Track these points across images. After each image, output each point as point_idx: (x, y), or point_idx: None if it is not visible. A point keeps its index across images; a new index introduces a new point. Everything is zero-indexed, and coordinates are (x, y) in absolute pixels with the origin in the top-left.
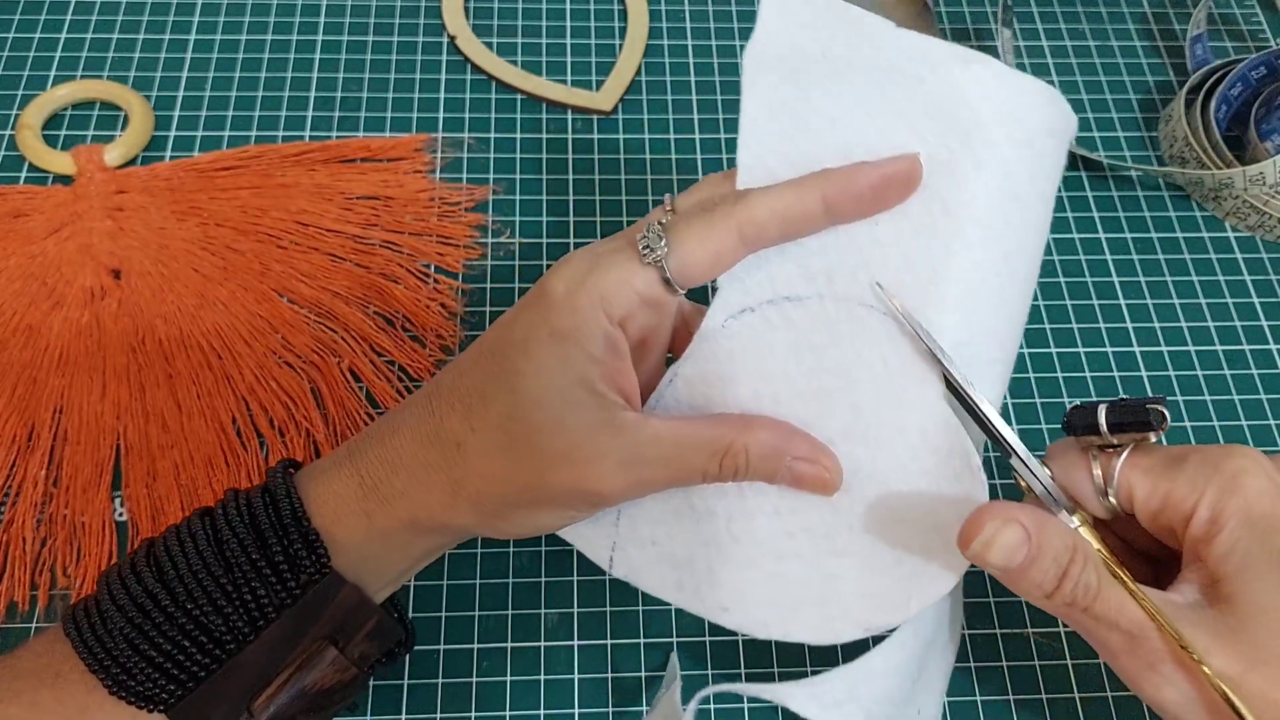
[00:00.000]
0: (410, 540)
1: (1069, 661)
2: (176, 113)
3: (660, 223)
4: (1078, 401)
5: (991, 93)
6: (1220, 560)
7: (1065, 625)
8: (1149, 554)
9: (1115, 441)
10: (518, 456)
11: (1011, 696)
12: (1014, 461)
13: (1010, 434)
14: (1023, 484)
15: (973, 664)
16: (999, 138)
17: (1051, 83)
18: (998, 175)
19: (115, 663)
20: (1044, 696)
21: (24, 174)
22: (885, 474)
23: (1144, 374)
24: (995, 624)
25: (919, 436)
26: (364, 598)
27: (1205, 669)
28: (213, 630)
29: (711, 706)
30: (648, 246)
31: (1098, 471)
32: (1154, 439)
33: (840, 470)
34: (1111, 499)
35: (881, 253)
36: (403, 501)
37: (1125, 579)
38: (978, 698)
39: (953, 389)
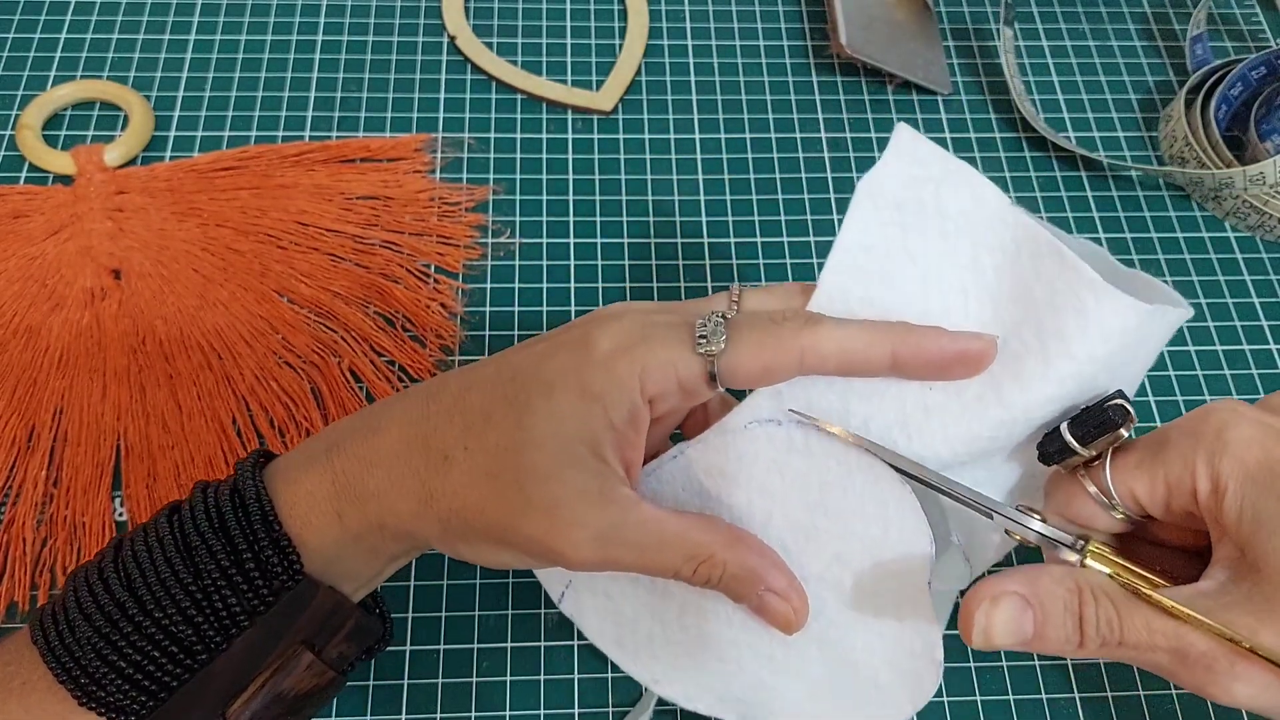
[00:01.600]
0: (381, 542)
1: (1069, 661)
2: (176, 113)
3: (723, 315)
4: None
5: (1084, 304)
6: (1235, 526)
7: None
8: (1197, 547)
9: (1094, 453)
10: (500, 491)
11: (1011, 696)
12: (997, 520)
13: (983, 497)
14: (1019, 539)
15: (972, 664)
16: (1078, 351)
17: (1051, 83)
18: (1064, 384)
19: (84, 673)
20: (1044, 697)
21: (24, 174)
22: (845, 625)
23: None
24: None
25: (891, 605)
26: (340, 599)
27: (1250, 648)
28: (183, 640)
29: None
30: (704, 338)
31: (1092, 489)
32: (1126, 434)
33: (806, 616)
34: (1120, 510)
35: (923, 419)
36: (374, 504)
37: (1144, 590)
38: (978, 698)
39: (925, 483)
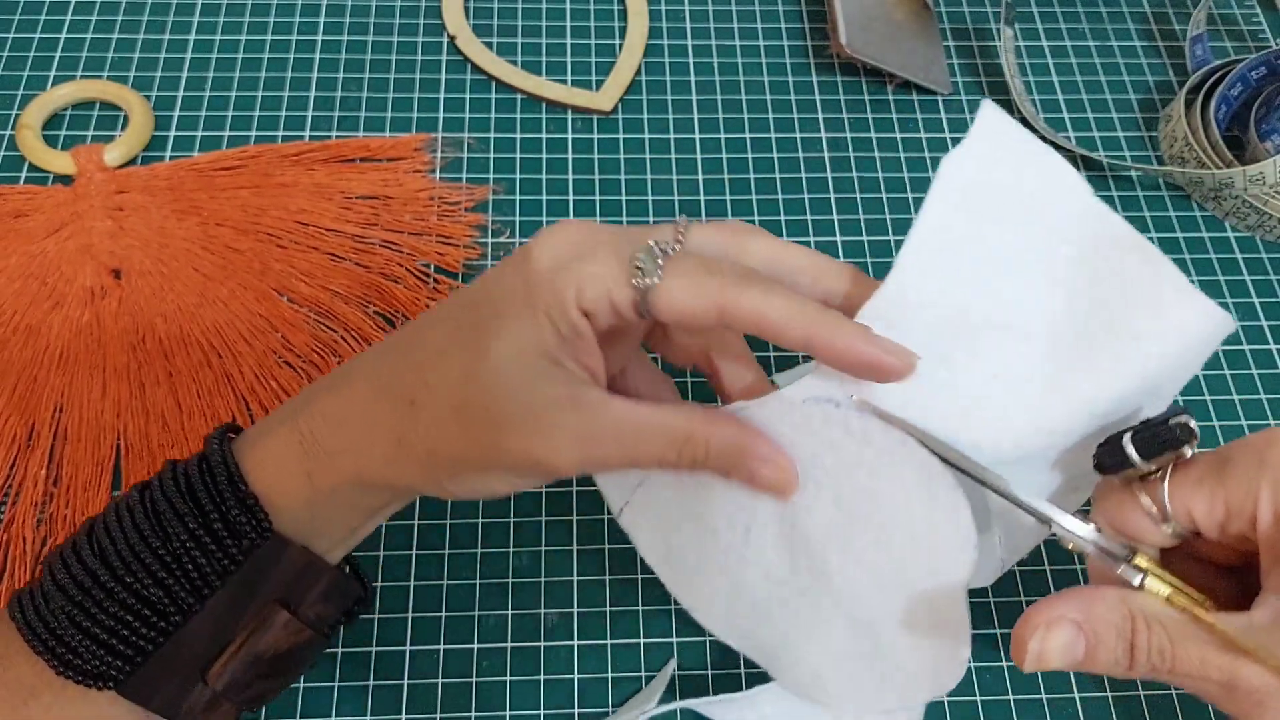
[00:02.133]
0: (356, 497)
1: None
2: (176, 113)
3: (663, 249)
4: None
5: (1162, 303)
6: None
7: None
8: (1235, 565)
9: (1154, 468)
10: (471, 418)
11: (1011, 696)
12: (1055, 530)
13: (1040, 504)
14: (1073, 548)
15: (973, 664)
16: (1152, 349)
17: (1051, 83)
18: (1131, 382)
19: (60, 642)
20: (1044, 696)
21: (24, 174)
22: (877, 608)
23: None
24: (995, 624)
25: (925, 600)
26: (313, 558)
27: None
28: (155, 603)
29: None
30: (640, 269)
31: (1148, 503)
32: (1189, 453)
33: (796, 478)
34: (1171, 526)
35: (986, 408)
36: (346, 458)
37: (1207, 616)
38: (978, 698)
39: (980, 482)
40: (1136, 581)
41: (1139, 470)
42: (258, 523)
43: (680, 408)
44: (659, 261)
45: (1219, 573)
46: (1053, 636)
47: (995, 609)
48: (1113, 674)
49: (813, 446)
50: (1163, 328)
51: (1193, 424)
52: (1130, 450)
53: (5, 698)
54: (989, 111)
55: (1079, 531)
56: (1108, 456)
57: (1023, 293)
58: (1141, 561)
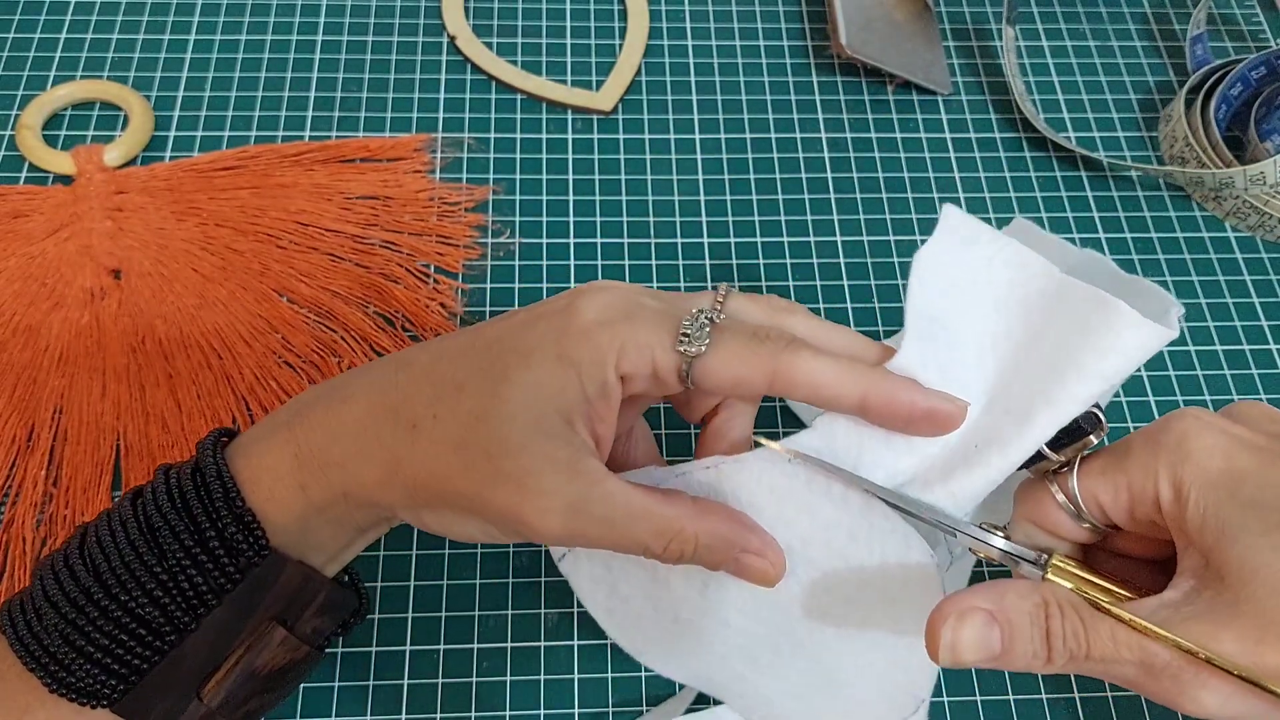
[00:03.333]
0: (344, 514)
1: None
2: (176, 113)
3: (710, 318)
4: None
5: (1119, 336)
6: (1198, 534)
7: None
8: (1161, 558)
9: (1064, 459)
10: (468, 461)
11: (1011, 696)
12: (962, 539)
13: (942, 514)
14: (983, 555)
15: None
16: (1105, 371)
17: (1051, 83)
18: (1081, 406)
19: (54, 660)
20: (1044, 696)
21: (24, 174)
22: (841, 654)
23: (1144, 374)
24: None
25: (889, 650)
26: (310, 573)
27: (1207, 658)
28: (150, 622)
29: None
30: (687, 335)
31: (1060, 495)
32: (1096, 441)
33: (783, 568)
34: (1086, 518)
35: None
36: (338, 472)
37: (1103, 603)
38: (978, 698)
39: (894, 506)
40: (1038, 577)
41: (1052, 464)
42: (255, 540)
43: (672, 498)
44: (706, 330)
45: (1149, 569)
46: (965, 628)
47: None
48: (1034, 668)
49: (790, 511)
50: (1111, 352)
51: (1099, 414)
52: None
53: None
54: (952, 212)
55: (984, 538)
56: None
57: (997, 362)
58: (1043, 558)
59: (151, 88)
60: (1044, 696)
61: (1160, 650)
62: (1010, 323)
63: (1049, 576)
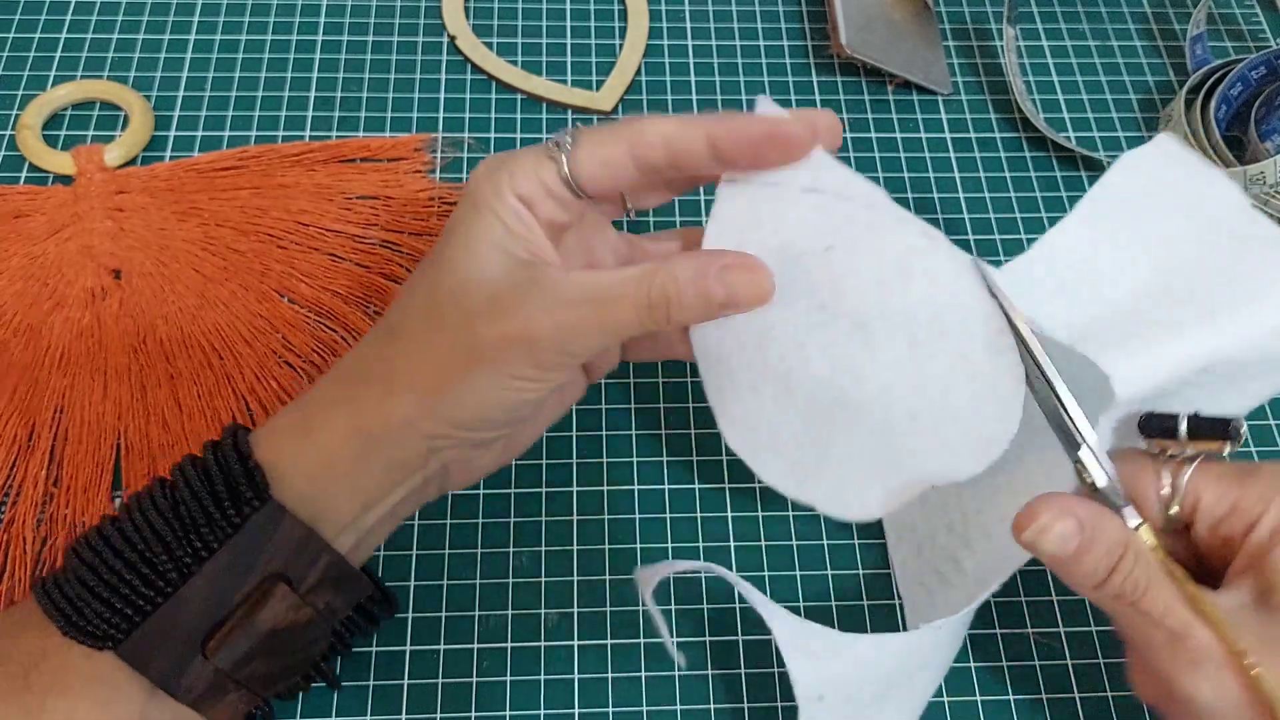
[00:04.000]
0: (356, 461)
1: (1069, 661)
2: (176, 113)
3: (572, 129)
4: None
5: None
6: (1277, 569)
7: (1066, 625)
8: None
9: (1189, 450)
10: (441, 318)
11: (1011, 696)
12: (1082, 453)
13: (1086, 426)
14: (1087, 478)
15: (973, 664)
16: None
17: (1051, 83)
18: (1238, 346)
19: (69, 603)
20: (1044, 696)
21: (24, 174)
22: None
23: None
24: (995, 624)
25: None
26: (310, 532)
27: (1258, 670)
28: (156, 563)
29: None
30: (554, 144)
31: (1166, 479)
32: (1227, 451)
33: (769, 274)
34: (1175, 507)
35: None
36: (343, 408)
37: (1182, 578)
38: (978, 698)
39: (1039, 379)
40: (1132, 525)
41: (1176, 445)
42: (257, 487)
43: (641, 265)
44: (567, 136)
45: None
46: (1059, 523)
47: (995, 609)
48: (1080, 585)
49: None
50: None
51: (1244, 429)
52: (1182, 426)
53: (17, 659)
54: (1163, 139)
55: (1104, 464)
56: (1157, 422)
57: (1158, 249)
58: (1136, 516)
59: (151, 88)
60: (1044, 697)
61: (1201, 634)
62: (1193, 229)
63: (1142, 530)
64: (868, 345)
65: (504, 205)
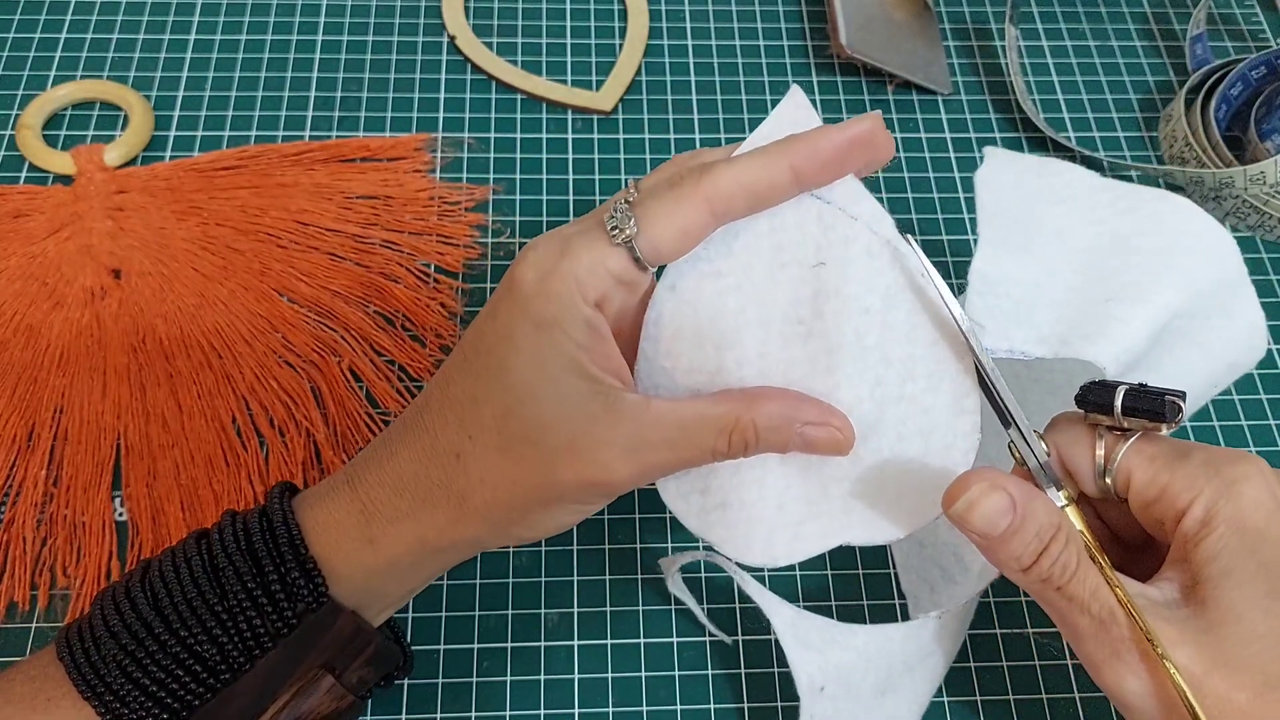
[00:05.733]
0: (418, 563)
1: (1069, 661)
2: (176, 113)
3: (626, 201)
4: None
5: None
6: (1204, 562)
7: None
8: (1130, 540)
9: (1125, 425)
10: (519, 456)
11: (1011, 696)
12: (1011, 431)
13: (1014, 404)
14: (1017, 455)
15: (973, 664)
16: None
17: (1051, 83)
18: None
19: (109, 690)
20: (1044, 696)
21: (24, 174)
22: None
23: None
24: (995, 624)
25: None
26: (361, 625)
27: (1167, 662)
28: (207, 659)
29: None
30: (616, 227)
31: (1101, 451)
32: (1164, 431)
33: (851, 430)
34: (1108, 481)
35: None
36: (409, 524)
37: (1104, 564)
38: (978, 698)
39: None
40: (1059, 505)
41: (1110, 421)
42: (315, 587)
43: (719, 396)
44: (628, 211)
45: (1112, 539)
46: (991, 498)
47: (995, 609)
48: (1007, 567)
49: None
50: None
51: (1182, 406)
52: (1118, 400)
53: None
54: (992, 151)
55: (1033, 445)
56: (1093, 395)
57: (1064, 248)
58: (1065, 496)
59: (151, 88)
60: (1044, 697)
61: (1124, 622)
62: (1080, 218)
63: (1068, 510)
64: (832, 372)
65: (575, 321)
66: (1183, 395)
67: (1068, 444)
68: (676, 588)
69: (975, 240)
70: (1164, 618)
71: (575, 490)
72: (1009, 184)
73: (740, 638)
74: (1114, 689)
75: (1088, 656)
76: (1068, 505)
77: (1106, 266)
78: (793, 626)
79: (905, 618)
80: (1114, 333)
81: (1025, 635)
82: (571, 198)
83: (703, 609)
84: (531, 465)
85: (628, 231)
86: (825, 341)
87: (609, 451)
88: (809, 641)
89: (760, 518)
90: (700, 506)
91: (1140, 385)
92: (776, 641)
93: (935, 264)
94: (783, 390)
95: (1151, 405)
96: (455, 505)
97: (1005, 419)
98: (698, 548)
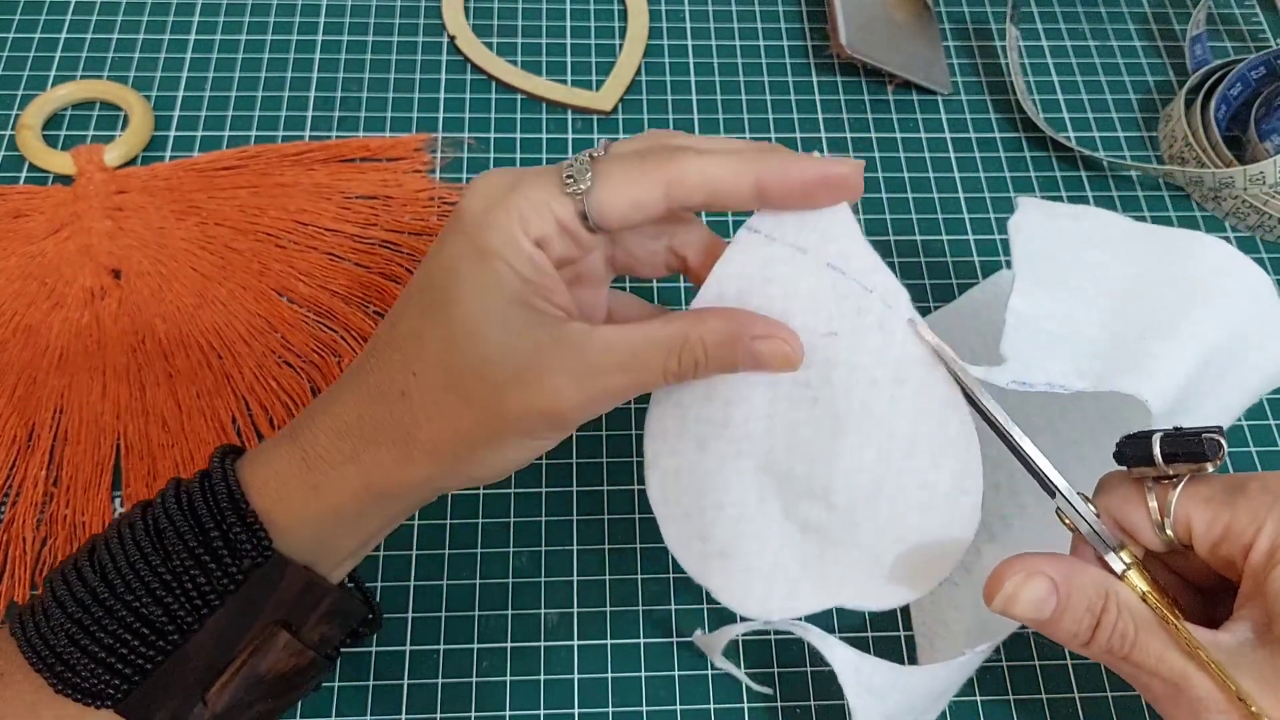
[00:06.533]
0: (365, 511)
1: (1069, 661)
2: (176, 113)
3: (591, 157)
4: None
5: (1230, 270)
6: (1276, 597)
7: None
8: (1205, 587)
9: (1171, 472)
10: (466, 390)
11: (1011, 696)
12: (1058, 501)
13: (1053, 473)
14: (1069, 524)
15: None
16: (1211, 315)
17: (1051, 83)
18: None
19: (59, 660)
20: (1044, 696)
21: (24, 174)
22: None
23: None
24: None
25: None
26: (314, 578)
27: (1255, 711)
28: (154, 622)
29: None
30: (572, 178)
31: (1153, 504)
32: (1210, 469)
33: (800, 345)
34: (1169, 532)
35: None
36: (352, 467)
37: (1173, 622)
38: (978, 698)
39: (994, 430)
40: (1119, 570)
41: (1155, 471)
42: (258, 541)
43: (668, 316)
44: (587, 166)
45: (1189, 588)
46: (1029, 586)
47: None
48: (1069, 644)
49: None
50: (1224, 288)
51: (1223, 441)
52: (1156, 450)
53: (6, 712)
54: (1028, 202)
55: (1081, 510)
56: (1130, 449)
57: (1098, 288)
58: (1127, 556)
59: (151, 88)
60: (1044, 697)
61: (1200, 682)
62: (1115, 259)
63: (1129, 574)
64: (836, 440)
65: (518, 254)
66: (1220, 430)
67: (1119, 505)
68: (722, 662)
69: (975, 242)
70: (1240, 666)
71: (523, 421)
72: (1043, 228)
73: (740, 637)
74: None
75: (1170, 717)
76: (1130, 568)
77: (1142, 304)
78: (857, 672)
79: (910, 618)
80: (1150, 369)
81: (1025, 635)
82: None
83: (740, 669)
84: (478, 398)
85: (581, 185)
86: (832, 409)
87: (557, 379)
88: (873, 687)
89: (758, 570)
90: (700, 553)
91: (1175, 429)
92: (776, 642)
93: (934, 264)
94: (730, 309)
95: (1192, 448)
96: (401, 444)
97: (1048, 489)
98: (735, 618)
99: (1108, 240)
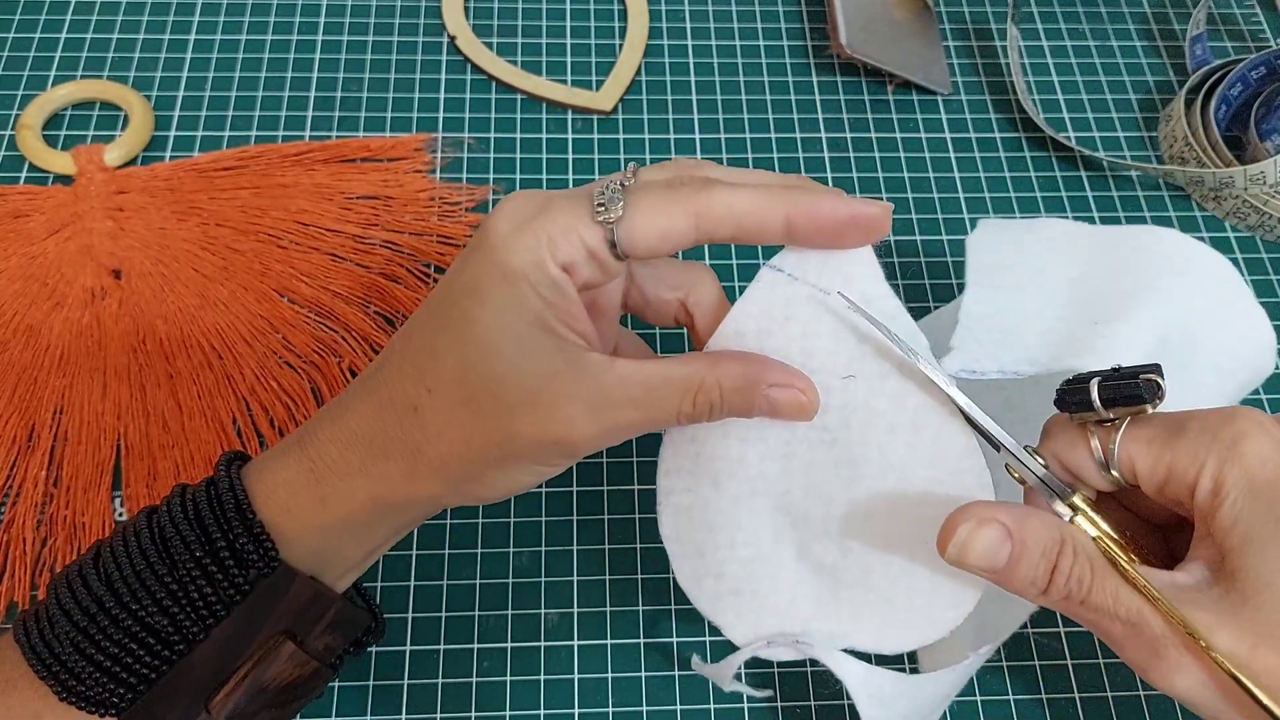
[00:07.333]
0: (372, 523)
1: (1069, 661)
2: (176, 113)
3: (621, 184)
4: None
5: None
6: (1224, 533)
7: (1066, 625)
8: (1166, 524)
9: (1111, 416)
10: (479, 410)
11: (1011, 697)
12: (1003, 455)
13: (994, 427)
14: (1017, 477)
15: None
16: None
17: (1051, 83)
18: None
19: (64, 669)
20: (1044, 696)
21: (24, 174)
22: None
23: None
24: None
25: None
26: (320, 589)
27: (1204, 646)
28: (160, 631)
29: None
30: (602, 205)
31: (1097, 446)
32: (1151, 411)
33: (816, 395)
34: (1114, 473)
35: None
36: (360, 479)
37: (1123, 564)
38: (978, 698)
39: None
40: (1067, 518)
41: (1096, 415)
42: (265, 552)
43: (685, 357)
44: (619, 195)
45: (1148, 528)
46: (982, 534)
47: None
48: (1025, 594)
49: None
50: (1180, 269)
51: (1161, 381)
52: (1094, 395)
53: None
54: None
55: (1027, 461)
56: (1070, 396)
57: (1051, 288)
58: (1077, 500)
59: (151, 88)
60: (1044, 697)
61: (1156, 621)
62: (1070, 261)
63: (1077, 520)
64: (852, 484)
65: (543, 277)
66: (1158, 370)
67: (1063, 450)
68: (732, 686)
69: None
70: (1197, 603)
71: (535, 448)
72: (998, 240)
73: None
74: (1166, 688)
75: (1132, 662)
76: (1079, 513)
77: (1094, 294)
78: (865, 684)
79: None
80: (1101, 348)
81: (1025, 635)
82: None
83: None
84: (491, 419)
85: (612, 214)
86: (849, 452)
87: (572, 407)
88: (882, 698)
89: (771, 609)
90: (714, 591)
91: (1114, 370)
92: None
93: (934, 264)
94: (747, 353)
95: (1130, 391)
96: (410, 459)
97: (993, 444)
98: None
99: (1062, 244)
